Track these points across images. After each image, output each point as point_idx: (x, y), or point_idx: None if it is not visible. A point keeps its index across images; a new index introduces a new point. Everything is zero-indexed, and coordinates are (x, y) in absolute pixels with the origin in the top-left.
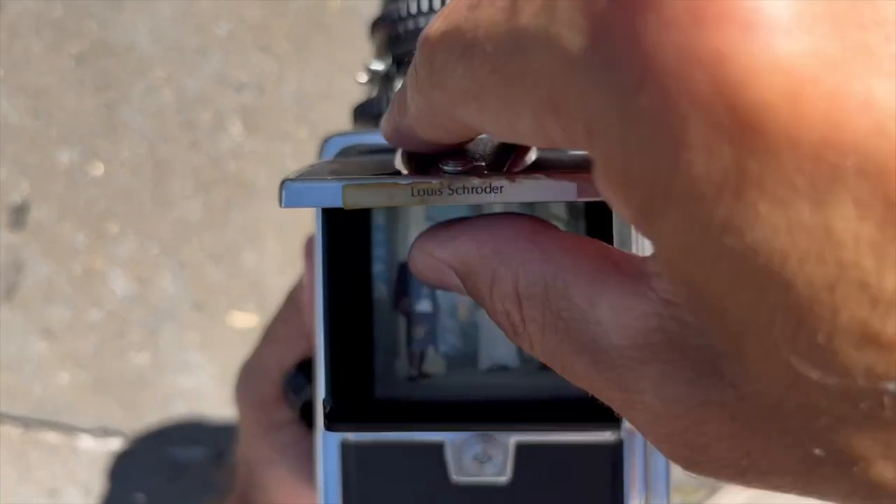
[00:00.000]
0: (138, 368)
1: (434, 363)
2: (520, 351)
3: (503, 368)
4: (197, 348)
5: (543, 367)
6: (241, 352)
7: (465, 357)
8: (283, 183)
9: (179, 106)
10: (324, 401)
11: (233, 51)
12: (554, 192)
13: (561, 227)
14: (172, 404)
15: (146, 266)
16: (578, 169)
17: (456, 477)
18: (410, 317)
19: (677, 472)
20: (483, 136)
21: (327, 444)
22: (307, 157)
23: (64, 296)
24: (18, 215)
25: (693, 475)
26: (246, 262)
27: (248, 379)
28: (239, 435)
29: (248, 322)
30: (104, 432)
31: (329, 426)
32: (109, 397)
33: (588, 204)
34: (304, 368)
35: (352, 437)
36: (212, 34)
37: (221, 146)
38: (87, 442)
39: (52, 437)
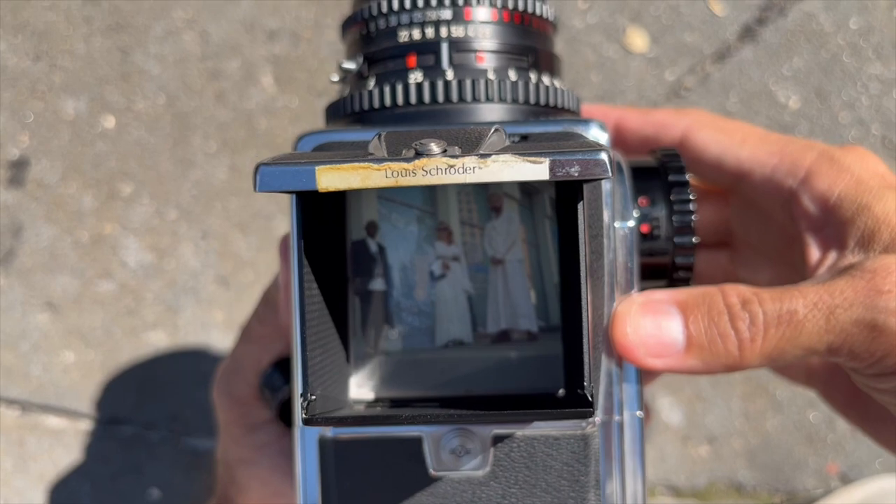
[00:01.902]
0: (153, 349)
1: (392, 341)
2: (474, 327)
3: (459, 343)
4: (221, 328)
5: (495, 342)
6: None
7: (423, 333)
8: (257, 167)
9: (203, 53)
10: (301, 397)
11: None
12: (525, 173)
13: (515, 205)
14: (191, 389)
15: (163, 234)
16: (549, 150)
17: (434, 470)
18: (364, 296)
19: (750, 477)
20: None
21: (305, 441)
22: None
23: (69, 265)
24: (16, 172)
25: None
26: (277, 232)
27: (225, 379)
28: (219, 436)
29: None
30: (113, 420)
31: (306, 422)
32: (120, 380)
33: (558, 184)
34: (281, 367)
35: (329, 432)
36: None
37: (250, 100)
38: (94, 430)
39: (54, 422)
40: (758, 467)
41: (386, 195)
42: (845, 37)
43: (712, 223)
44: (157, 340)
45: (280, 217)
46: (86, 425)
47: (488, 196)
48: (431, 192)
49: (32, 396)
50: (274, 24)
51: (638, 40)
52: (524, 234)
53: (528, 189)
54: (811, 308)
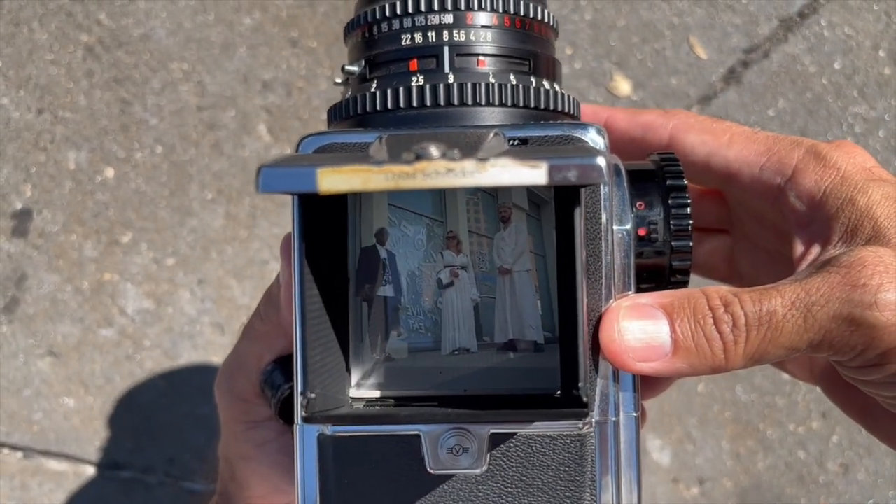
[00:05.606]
0: (151, 394)
1: (397, 347)
2: (479, 336)
3: (465, 351)
4: (217, 372)
5: (501, 350)
6: None
7: (429, 341)
8: (259, 168)
9: (200, 104)
10: (300, 395)
11: (258, 45)
12: (524, 177)
13: (523, 216)
14: (189, 433)
15: (161, 281)
16: (547, 155)
17: (432, 468)
18: (372, 302)
19: None
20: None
21: (304, 438)
22: None
23: (70, 312)
24: (20, 222)
25: None
26: (271, 278)
27: (227, 376)
28: (221, 432)
29: None
30: (113, 464)
31: (306, 420)
32: (119, 425)
33: (556, 187)
34: (282, 365)
35: (328, 430)
36: (236, 26)
37: (245, 149)
38: (94, 474)
39: (55, 466)
40: None
41: (396, 202)
42: (830, 78)
43: (713, 214)
44: (155, 386)
45: (273, 263)
46: (86, 469)
47: (497, 207)
48: (440, 200)
49: (34, 442)
50: (268, 76)
51: (623, 84)
52: (532, 244)
53: (536, 200)
54: (789, 307)
